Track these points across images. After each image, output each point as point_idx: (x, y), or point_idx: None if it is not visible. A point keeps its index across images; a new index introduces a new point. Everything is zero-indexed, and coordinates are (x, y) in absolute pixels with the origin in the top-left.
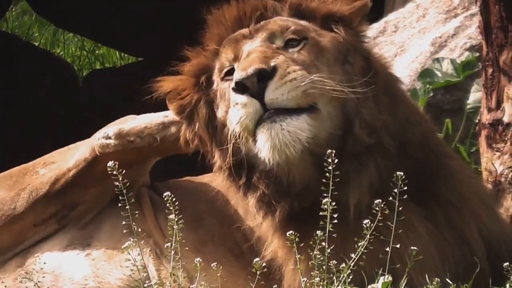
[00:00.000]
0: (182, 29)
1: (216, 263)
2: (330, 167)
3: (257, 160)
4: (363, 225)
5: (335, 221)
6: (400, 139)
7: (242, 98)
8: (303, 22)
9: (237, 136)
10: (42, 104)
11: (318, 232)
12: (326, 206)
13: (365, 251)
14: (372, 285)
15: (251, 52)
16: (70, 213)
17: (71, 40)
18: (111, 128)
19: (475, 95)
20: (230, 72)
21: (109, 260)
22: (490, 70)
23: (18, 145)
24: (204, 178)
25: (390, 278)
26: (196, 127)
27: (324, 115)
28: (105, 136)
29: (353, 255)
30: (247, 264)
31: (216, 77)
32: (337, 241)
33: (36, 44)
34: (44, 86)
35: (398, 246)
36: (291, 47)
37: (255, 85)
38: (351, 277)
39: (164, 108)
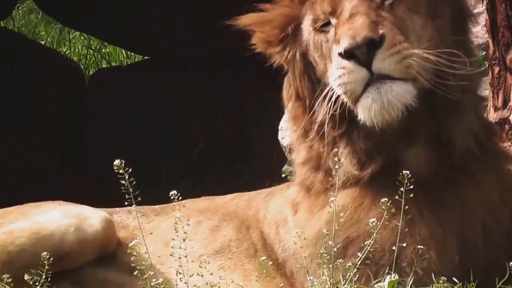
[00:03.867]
0: (188, 28)
1: (229, 266)
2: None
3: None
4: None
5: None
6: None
7: (349, 65)
8: None
9: (340, 96)
10: (48, 103)
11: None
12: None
13: (371, 249)
14: (379, 283)
15: (354, 13)
16: None
17: (77, 38)
18: None
19: None
20: (326, 24)
21: None
22: (496, 69)
23: (24, 144)
24: (225, 198)
25: (397, 277)
26: (295, 82)
27: (423, 84)
28: None
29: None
30: (258, 264)
31: (307, 27)
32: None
33: (43, 42)
34: (50, 85)
35: (404, 245)
36: None
37: (364, 55)
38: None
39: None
